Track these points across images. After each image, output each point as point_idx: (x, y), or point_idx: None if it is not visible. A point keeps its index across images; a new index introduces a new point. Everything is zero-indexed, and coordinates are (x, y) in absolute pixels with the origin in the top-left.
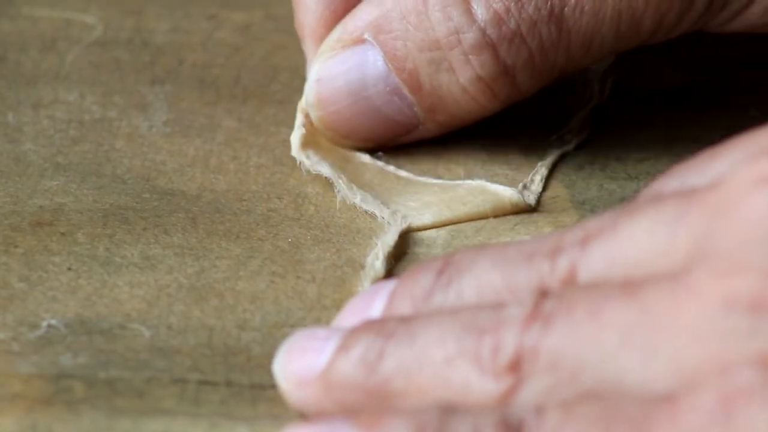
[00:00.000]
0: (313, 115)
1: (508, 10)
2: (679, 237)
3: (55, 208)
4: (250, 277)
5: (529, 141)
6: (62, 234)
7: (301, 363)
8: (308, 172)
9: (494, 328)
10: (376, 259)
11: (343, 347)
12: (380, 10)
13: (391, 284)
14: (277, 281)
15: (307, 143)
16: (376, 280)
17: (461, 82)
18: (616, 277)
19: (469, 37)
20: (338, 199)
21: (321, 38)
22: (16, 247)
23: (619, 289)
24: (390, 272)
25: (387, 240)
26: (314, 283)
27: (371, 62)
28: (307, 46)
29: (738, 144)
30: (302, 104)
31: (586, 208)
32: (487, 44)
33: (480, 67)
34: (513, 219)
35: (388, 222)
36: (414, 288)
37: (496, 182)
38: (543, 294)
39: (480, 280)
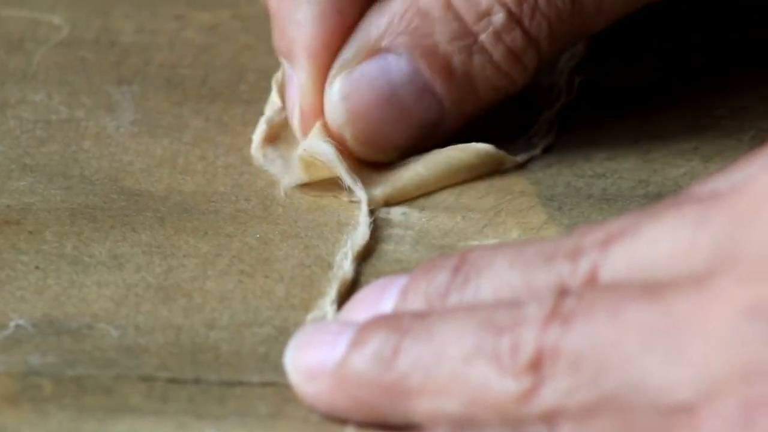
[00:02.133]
0: (347, 135)
1: None
2: (702, 240)
3: (22, 207)
4: (219, 276)
5: (498, 142)
6: (30, 232)
7: (313, 357)
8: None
9: (512, 326)
10: (345, 259)
11: (358, 342)
12: (393, 14)
13: (401, 279)
14: (245, 281)
15: (269, 140)
16: (345, 281)
17: (495, 59)
18: (638, 278)
19: (499, 17)
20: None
21: (319, 56)
22: None
23: (641, 291)
24: (358, 270)
25: (356, 239)
26: (282, 283)
27: (395, 67)
28: (300, 63)
29: (761, 154)
30: (271, 99)
31: (554, 205)
32: (516, 21)
33: (512, 42)
34: (481, 221)
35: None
36: (429, 285)
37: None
38: (562, 293)
39: (498, 280)
